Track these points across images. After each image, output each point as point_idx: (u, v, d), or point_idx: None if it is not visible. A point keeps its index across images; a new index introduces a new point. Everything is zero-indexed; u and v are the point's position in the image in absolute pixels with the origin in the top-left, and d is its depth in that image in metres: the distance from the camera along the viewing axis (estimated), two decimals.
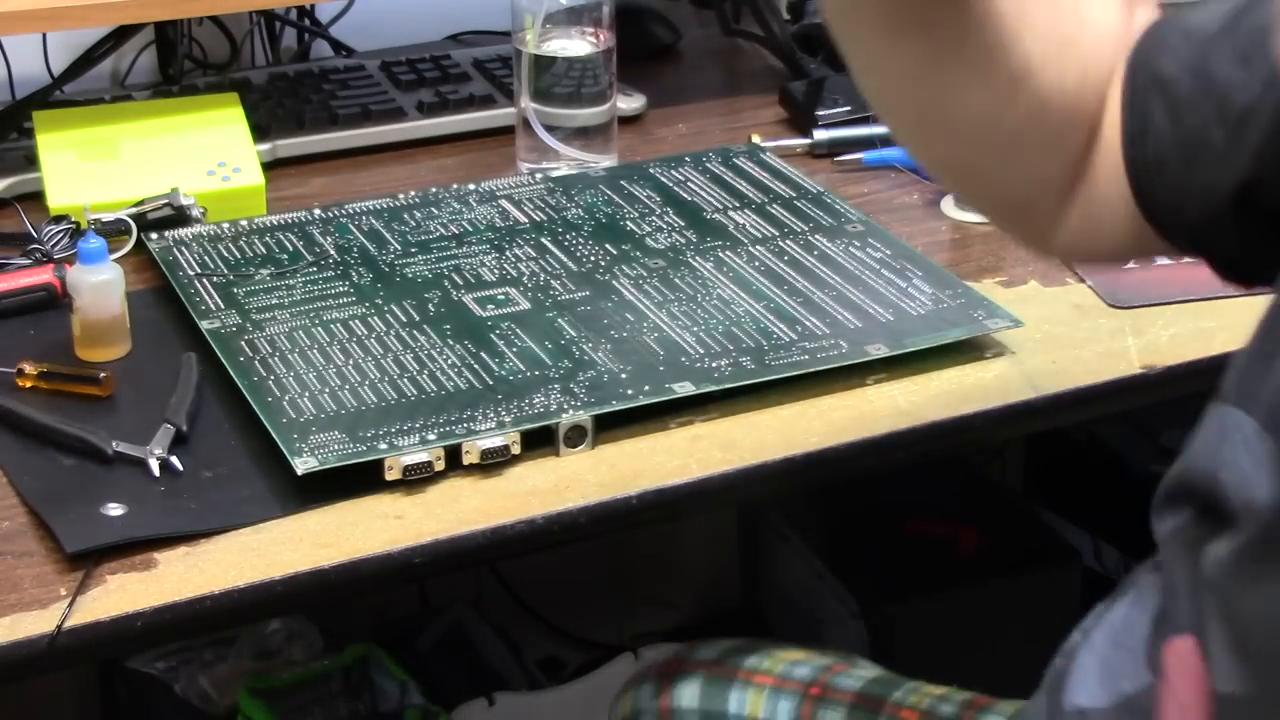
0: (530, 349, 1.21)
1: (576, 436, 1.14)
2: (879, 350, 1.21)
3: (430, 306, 1.27)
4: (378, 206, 1.43)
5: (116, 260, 1.27)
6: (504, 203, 1.43)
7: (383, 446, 1.10)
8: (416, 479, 1.10)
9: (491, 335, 1.23)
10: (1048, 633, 1.77)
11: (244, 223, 1.39)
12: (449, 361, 1.20)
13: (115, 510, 1.07)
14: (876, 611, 1.72)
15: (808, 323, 1.25)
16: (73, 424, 1.14)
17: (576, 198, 1.44)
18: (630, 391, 1.16)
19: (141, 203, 1.39)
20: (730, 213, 1.41)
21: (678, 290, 1.30)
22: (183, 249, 1.36)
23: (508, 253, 1.35)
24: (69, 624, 0.99)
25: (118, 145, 1.45)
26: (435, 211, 1.42)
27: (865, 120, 1.57)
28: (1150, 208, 0.95)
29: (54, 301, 1.29)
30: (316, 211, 1.42)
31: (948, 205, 1.45)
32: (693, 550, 2.05)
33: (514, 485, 1.11)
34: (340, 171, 1.55)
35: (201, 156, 1.44)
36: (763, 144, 1.55)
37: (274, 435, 1.11)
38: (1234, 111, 0.89)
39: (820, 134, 1.56)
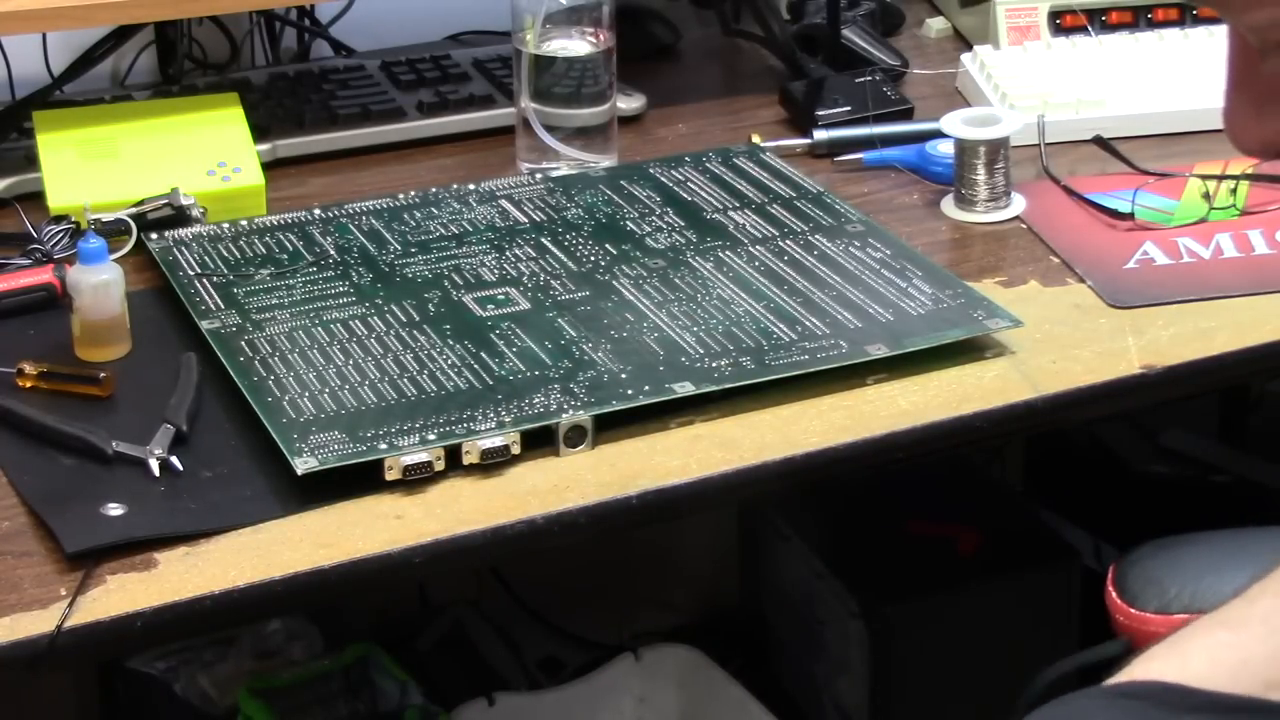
0: (530, 349, 1.21)
1: (576, 436, 1.14)
2: (879, 350, 1.21)
3: (430, 306, 1.27)
4: (378, 206, 1.43)
5: (116, 260, 1.27)
6: (504, 203, 1.43)
7: (383, 446, 1.10)
8: (416, 479, 1.10)
9: (491, 335, 1.23)
10: (1047, 633, 1.78)
11: (244, 223, 1.39)
12: (449, 361, 1.20)
13: (115, 510, 1.07)
14: (876, 611, 1.72)
15: (808, 323, 1.24)
16: (73, 424, 1.14)
17: (576, 198, 1.44)
18: (630, 391, 1.16)
19: (141, 203, 1.39)
20: (730, 213, 1.41)
21: (678, 290, 1.29)
22: (183, 249, 1.36)
23: (508, 253, 1.35)
24: (69, 624, 0.99)
25: (117, 145, 1.45)
26: (435, 211, 1.42)
27: (865, 120, 1.57)
28: None
29: (54, 301, 1.29)
30: (316, 211, 1.42)
31: (948, 205, 1.45)
32: (693, 550, 2.05)
33: (514, 485, 1.11)
34: (340, 171, 1.55)
35: (201, 156, 1.44)
36: (763, 144, 1.55)
37: (274, 435, 1.11)
38: None
39: (820, 134, 1.56)
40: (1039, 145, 1.52)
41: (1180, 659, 0.92)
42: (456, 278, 1.32)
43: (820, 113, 1.58)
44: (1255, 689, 0.88)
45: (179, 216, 1.39)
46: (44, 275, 1.30)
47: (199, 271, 1.32)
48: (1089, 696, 0.89)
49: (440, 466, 1.10)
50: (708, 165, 1.50)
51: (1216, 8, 0.68)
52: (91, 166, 1.43)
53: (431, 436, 1.11)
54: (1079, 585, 1.77)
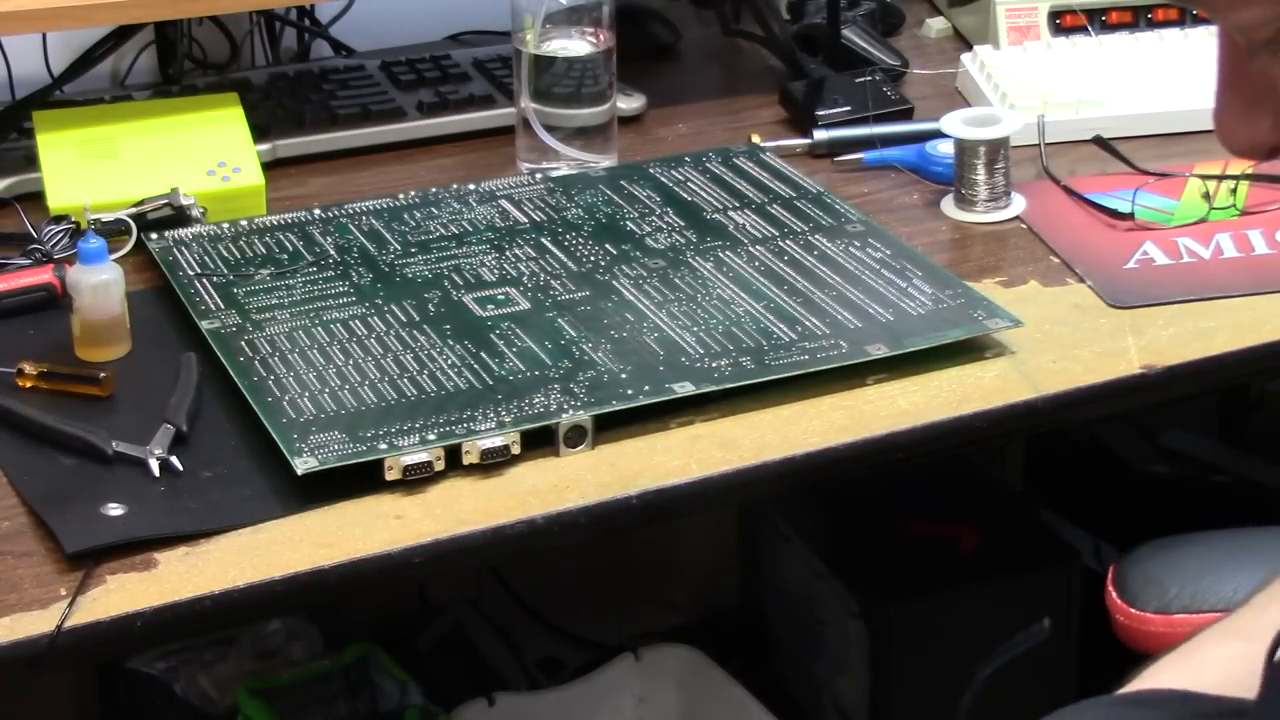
0: (530, 349, 1.21)
1: (576, 436, 1.14)
2: (879, 350, 1.21)
3: (430, 306, 1.27)
4: (378, 206, 1.43)
5: (116, 260, 1.27)
6: (504, 203, 1.43)
7: (383, 446, 1.10)
8: (416, 479, 1.10)
9: (491, 335, 1.23)
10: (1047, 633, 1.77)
11: (244, 223, 1.39)
12: (449, 361, 1.20)
13: (115, 510, 1.07)
14: (876, 611, 1.72)
15: (808, 323, 1.24)
16: (73, 424, 1.14)
17: (576, 198, 1.44)
18: (630, 391, 1.16)
19: (141, 203, 1.39)
20: (730, 213, 1.41)
21: (678, 290, 1.29)
22: (183, 249, 1.36)
23: (508, 253, 1.35)
24: (69, 624, 0.99)
25: (117, 145, 1.45)
26: (435, 211, 1.42)
27: (865, 120, 1.57)
28: None
29: (54, 301, 1.29)
30: (316, 211, 1.42)
31: (948, 205, 1.45)
32: (693, 550, 2.05)
33: (514, 485, 1.11)
34: (340, 171, 1.55)
35: (201, 156, 1.44)
36: (763, 144, 1.55)
37: (274, 435, 1.11)
38: None
39: (820, 134, 1.56)
40: (1039, 145, 1.52)
41: (1193, 669, 0.92)
42: (456, 278, 1.32)
43: (820, 113, 1.58)
44: None
45: (179, 216, 1.39)
46: (44, 275, 1.30)
47: (199, 271, 1.32)
48: (1104, 705, 0.89)
49: (440, 466, 1.10)
50: (708, 165, 1.50)
51: (1204, 7, 0.67)
52: (91, 166, 1.43)
53: (431, 436, 1.11)
54: (1079, 585, 1.77)
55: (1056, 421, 1.26)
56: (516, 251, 1.36)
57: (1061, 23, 1.70)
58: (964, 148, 1.43)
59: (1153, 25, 1.70)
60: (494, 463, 1.12)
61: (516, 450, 1.12)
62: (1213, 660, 0.93)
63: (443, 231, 1.39)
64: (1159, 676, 0.93)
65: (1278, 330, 1.28)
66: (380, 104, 1.60)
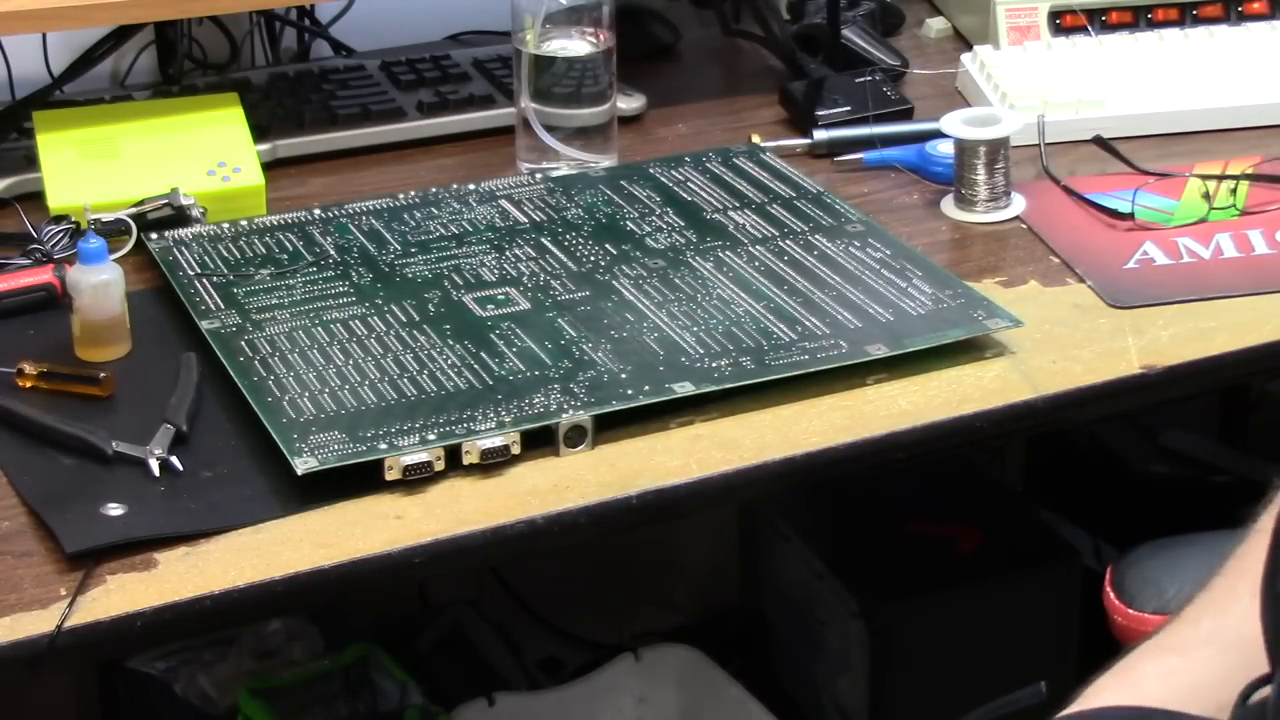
0: (530, 349, 1.21)
1: (576, 436, 1.14)
2: (879, 350, 1.21)
3: (430, 306, 1.27)
4: (378, 206, 1.43)
5: (116, 260, 1.27)
6: (504, 203, 1.43)
7: (383, 446, 1.10)
8: (416, 479, 1.10)
9: (491, 335, 1.23)
10: (1047, 632, 1.78)
11: (244, 223, 1.40)
12: (449, 361, 1.20)
13: (115, 510, 1.07)
14: (876, 611, 1.72)
15: (808, 323, 1.25)
16: (73, 424, 1.14)
17: (576, 198, 1.44)
18: (630, 391, 1.16)
19: (141, 203, 1.39)
20: (730, 213, 1.41)
21: (678, 290, 1.30)
22: (183, 249, 1.36)
23: (508, 253, 1.35)
24: (69, 624, 0.99)
25: (117, 145, 1.45)
26: (435, 211, 1.42)
27: (865, 120, 1.57)
28: None
29: (54, 301, 1.29)
30: (316, 211, 1.42)
31: (948, 205, 1.45)
32: (693, 550, 2.05)
33: (514, 485, 1.11)
34: (340, 171, 1.55)
35: (201, 156, 1.44)
36: (762, 144, 1.55)
37: (274, 435, 1.11)
38: None
39: (820, 134, 1.56)
40: (1039, 145, 1.52)
41: (1133, 687, 0.92)
42: (456, 278, 1.32)
43: (820, 113, 1.58)
44: (1210, 710, 0.88)
45: (179, 216, 1.39)
46: (44, 275, 1.31)
47: (199, 271, 1.33)
48: None
49: (440, 466, 1.10)
50: (708, 165, 1.50)
51: None
52: (91, 166, 1.43)
53: (431, 436, 1.11)
54: (1079, 585, 1.77)
55: (1056, 421, 1.26)
56: (516, 251, 1.36)
57: (1061, 23, 1.70)
58: (964, 148, 1.43)
59: (1153, 25, 1.70)
60: (494, 463, 1.12)
61: (516, 450, 1.12)
62: (1151, 677, 0.93)
63: (443, 231, 1.39)
64: (1100, 696, 0.93)
65: (1278, 330, 1.28)
66: (380, 104, 1.60)
